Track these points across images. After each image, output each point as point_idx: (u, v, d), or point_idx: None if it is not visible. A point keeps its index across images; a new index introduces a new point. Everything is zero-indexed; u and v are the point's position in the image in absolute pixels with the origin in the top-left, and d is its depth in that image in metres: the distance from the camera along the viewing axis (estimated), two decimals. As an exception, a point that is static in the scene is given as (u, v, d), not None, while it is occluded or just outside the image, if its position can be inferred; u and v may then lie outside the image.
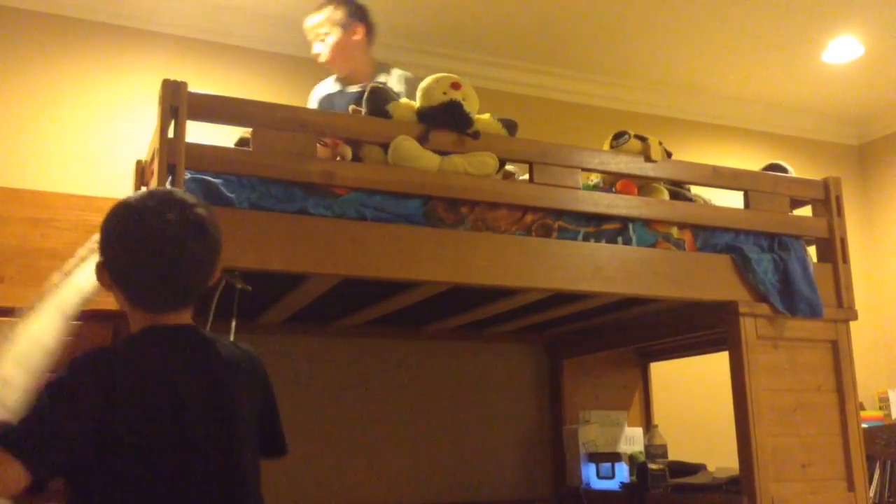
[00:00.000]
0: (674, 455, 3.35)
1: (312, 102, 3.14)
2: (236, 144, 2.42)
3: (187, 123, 2.08)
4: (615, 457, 3.40)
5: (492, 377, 3.67)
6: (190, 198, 1.59)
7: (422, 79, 2.50)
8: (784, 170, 3.04)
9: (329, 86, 3.15)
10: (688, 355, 3.68)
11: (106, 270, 1.54)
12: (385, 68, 3.10)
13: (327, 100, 3.09)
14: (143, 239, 1.49)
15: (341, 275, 2.24)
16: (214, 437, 1.49)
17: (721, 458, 3.14)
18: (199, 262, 1.54)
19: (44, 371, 1.47)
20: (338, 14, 3.03)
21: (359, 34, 3.07)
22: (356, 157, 2.37)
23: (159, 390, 1.46)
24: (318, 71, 3.23)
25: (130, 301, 1.54)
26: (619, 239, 2.57)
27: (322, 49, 3.05)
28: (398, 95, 2.60)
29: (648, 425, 3.68)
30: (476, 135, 2.41)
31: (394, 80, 3.02)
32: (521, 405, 3.70)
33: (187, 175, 2.07)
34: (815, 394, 2.77)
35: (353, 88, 3.06)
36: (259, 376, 1.66)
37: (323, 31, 3.03)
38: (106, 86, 3.37)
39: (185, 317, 1.58)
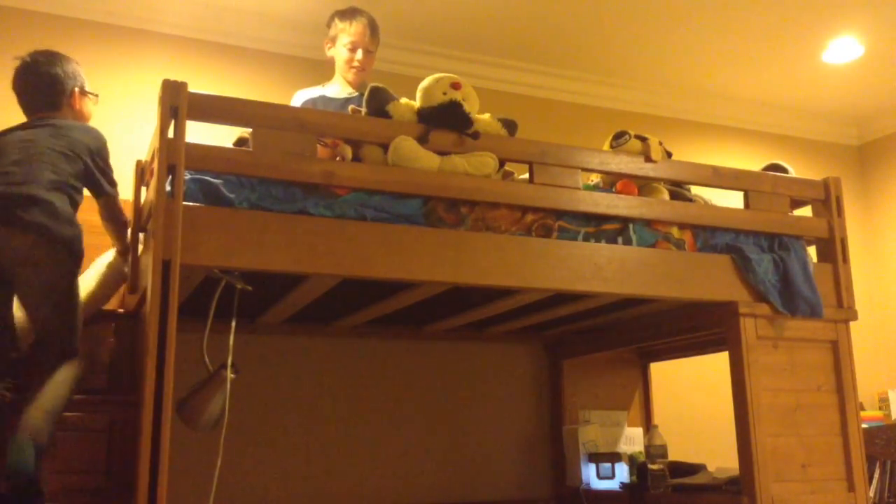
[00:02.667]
0: (674, 455, 3.35)
1: (296, 103, 3.17)
2: (234, 144, 2.42)
3: (187, 123, 2.09)
4: (615, 457, 3.40)
5: (492, 377, 3.67)
6: (55, 56, 2.53)
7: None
8: (784, 170, 3.04)
9: (314, 91, 3.20)
10: (688, 355, 3.68)
11: None
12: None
13: (311, 103, 3.14)
14: (15, 72, 2.52)
15: (341, 275, 2.23)
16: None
17: (721, 458, 3.14)
18: (36, 90, 2.50)
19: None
20: (378, 35, 3.17)
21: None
22: (356, 157, 2.37)
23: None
24: (317, 71, 3.24)
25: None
26: (619, 239, 2.57)
27: (363, 60, 3.13)
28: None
29: (648, 425, 3.68)
30: (476, 135, 2.41)
31: None
32: (521, 405, 3.70)
33: (187, 175, 2.07)
34: (815, 394, 2.77)
35: (337, 94, 3.15)
36: (89, 136, 2.46)
37: (371, 47, 3.14)
38: (105, 86, 3.36)
39: (47, 115, 2.48)
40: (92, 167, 2.40)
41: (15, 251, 2.16)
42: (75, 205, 2.32)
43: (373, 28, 3.13)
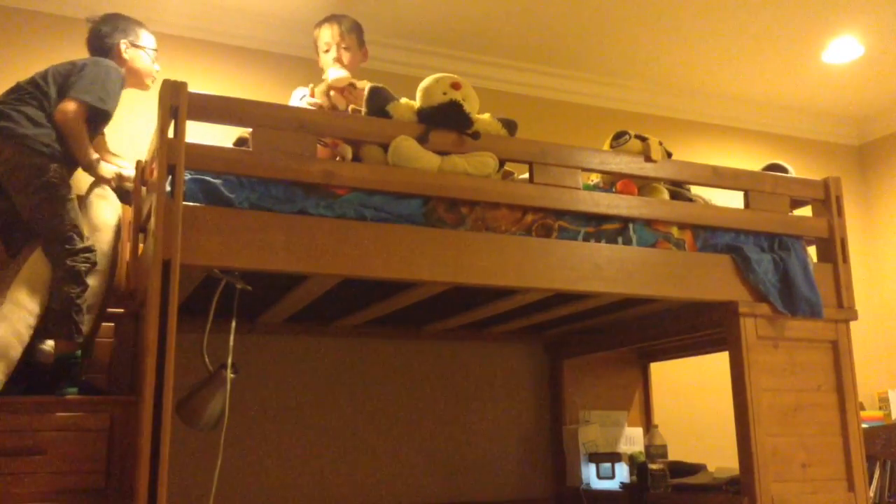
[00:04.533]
0: (674, 455, 3.35)
1: (293, 100, 3.18)
2: (234, 144, 2.42)
3: (187, 123, 2.09)
4: (615, 457, 3.40)
5: (492, 377, 3.67)
6: (108, 16, 2.89)
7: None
8: (784, 170, 3.04)
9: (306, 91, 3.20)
10: (688, 355, 3.68)
11: None
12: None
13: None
14: None
15: (341, 275, 2.24)
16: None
17: (721, 458, 3.14)
18: (88, 42, 2.88)
19: None
20: (358, 32, 3.17)
21: (364, 58, 3.21)
22: (356, 157, 2.37)
23: None
24: (316, 71, 3.24)
25: None
26: (620, 239, 2.57)
27: (339, 58, 3.12)
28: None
29: (648, 425, 3.68)
30: (476, 135, 2.41)
31: None
32: (521, 405, 3.70)
33: (187, 175, 2.08)
34: (815, 394, 2.77)
35: None
36: (89, 60, 2.72)
37: (344, 45, 3.12)
38: (106, 86, 3.36)
39: None
40: (64, 74, 2.61)
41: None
42: (44, 109, 2.55)
43: (347, 27, 3.14)
